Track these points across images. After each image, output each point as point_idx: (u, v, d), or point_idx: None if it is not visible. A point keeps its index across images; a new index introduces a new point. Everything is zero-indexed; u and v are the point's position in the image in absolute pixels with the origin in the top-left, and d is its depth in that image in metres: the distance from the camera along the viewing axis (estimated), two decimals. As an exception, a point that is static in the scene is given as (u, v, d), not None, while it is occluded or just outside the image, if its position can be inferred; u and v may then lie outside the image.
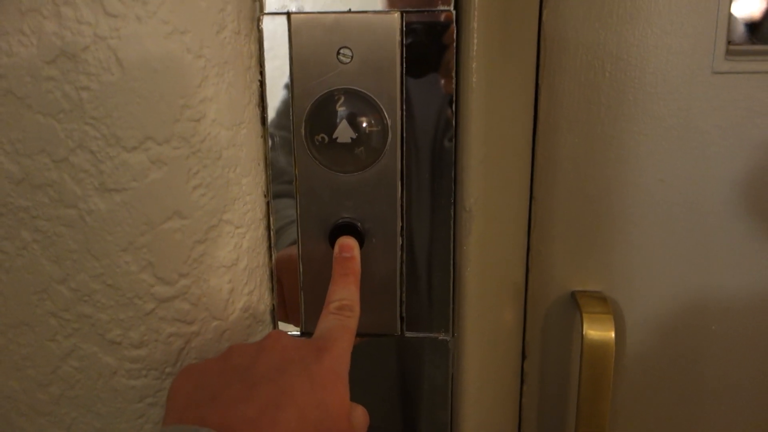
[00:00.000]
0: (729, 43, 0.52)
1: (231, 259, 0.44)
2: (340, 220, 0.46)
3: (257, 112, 0.46)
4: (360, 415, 0.39)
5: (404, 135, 0.46)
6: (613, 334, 0.54)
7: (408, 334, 0.50)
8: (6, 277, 0.41)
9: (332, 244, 0.45)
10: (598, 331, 0.54)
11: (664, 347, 0.59)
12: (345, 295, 0.42)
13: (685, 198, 0.55)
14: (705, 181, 0.55)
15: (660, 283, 0.57)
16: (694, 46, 0.52)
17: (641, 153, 0.54)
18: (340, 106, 0.44)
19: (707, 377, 0.59)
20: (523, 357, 0.60)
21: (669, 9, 0.52)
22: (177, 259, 0.41)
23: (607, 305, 0.56)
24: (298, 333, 0.50)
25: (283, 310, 0.50)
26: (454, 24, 0.44)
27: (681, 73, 0.53)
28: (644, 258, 0.56)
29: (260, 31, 0.45)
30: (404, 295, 0.49)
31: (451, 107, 0.46)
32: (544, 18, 0.52)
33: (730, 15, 0.52)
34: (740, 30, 0.53)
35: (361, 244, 0.45)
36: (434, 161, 0.47)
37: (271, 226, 0.49)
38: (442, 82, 0.45)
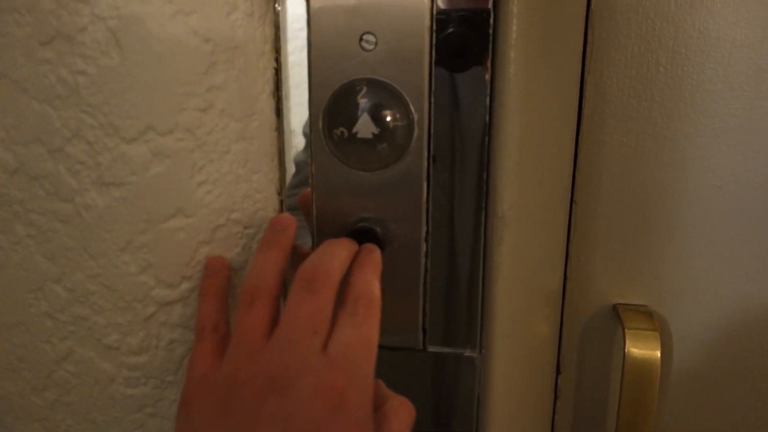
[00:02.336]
0: (803, 35, 0.48)
1: (239, 262, 0.41)
2: (359, 225, 0.42)
3: (271, 102, 0.43)
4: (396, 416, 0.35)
5: (432, 131, 0.42)
6: (658, 353, 0.50)
7: (431, 349, 0.46)
8: (0, 273, 0.39)
9: None
10: (643, 350, 0.51)
11: (715, 368, 0.55)
12: (361, 287, 0.36)
13: (743, 207, 0.51)
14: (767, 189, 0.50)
15: (712, 298, 0.53)
16: (763, 38, 0.48)
17: (697, 156, 0.50)
18: (362, 97, 0.40)
19: (761, 401, 0.55)
20: (558, 372, 0.57)
21: (735, -4, 0.47)
22: (179, 260, 0.38)
23: (652, 321, 0.52)
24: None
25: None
26: (491, 8, 0.40)
27: (746, 68, 0.48)
28: (695, 271, 0.52)
29: (276, 14, 0.42)
30: (427, 306, 0.45)
31: (486, 102, 0.42)
32: (592, 4, 0.48)
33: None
34: (818, 20, 0.48)
35: (382, 250, 0.41)
36: (464, 161, 0.43)
37: (286, 226, 0.45)
38: (476, 73, 0.41)
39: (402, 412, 0.35)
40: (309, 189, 0.43)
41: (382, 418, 0.34)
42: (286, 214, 0.40)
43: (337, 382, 0.32)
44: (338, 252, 0.37)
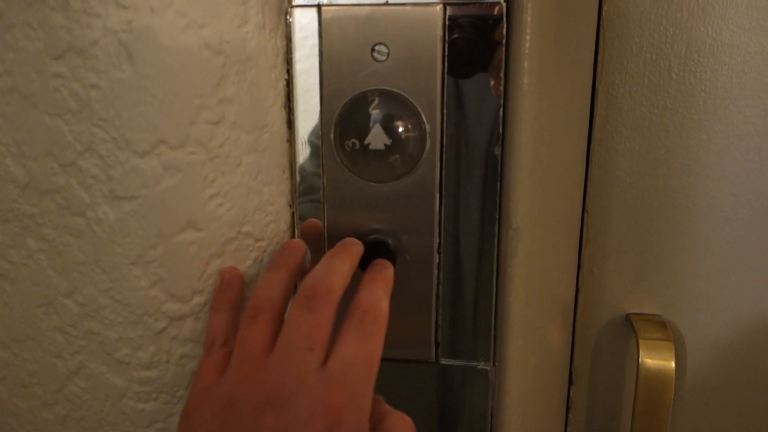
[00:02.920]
0: (818, 42, 0.47)
1: (250, 276, 0.41)
2: (370, 238, 0.42)
3: (283, 114, 0.42)
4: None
5: (444, 142, 0.41)
6: (673, 364, 0.50)
7: (443, 362, 0.46)
8: (11, 288, 0.38)
9: (361, 266, 0.40)
10: (656, 360, 0.50)
11: (730, 379, 0.54)
12: (370, 301, 0.36)
13: (759, 215, 0.50)
14: (783, 197, 0.50)
15: (727, 308, 0.52)
16: (777, 45, 0.47)
17: (710, 164, 0.50)
18: (374, 108, 0.40)
19: (777, 414, 0.54)
20: (570, 383, 0.56)
21: (748, 3, 0.47)
22: (190, 274, 0.38)
23: (666, 331, 0.51)
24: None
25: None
26: (505, 18, 0.39)
27: (760, 75, 0.48)
28: (710, 280, 0.52)
29: (288, 26, 0.41)
30: (440, 318, 0.45)
31: (499, 112, 0.41)
32: (604, 12, 0.48)
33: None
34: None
35: (394, 263, 0.41)
36: (477, 172, 0.42)
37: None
38: (489, 83, 0.41)
39: (401, 428, 0.35)
40: (314, 220, 0.43)
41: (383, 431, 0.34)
42: (297, 240, 0.41)
43: (333, 401, 0.32)
44: (339, 266, 0.37)
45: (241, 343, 0.35)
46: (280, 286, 0.37)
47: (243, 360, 0.34)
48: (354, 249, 0.39)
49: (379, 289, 0.37)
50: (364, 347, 0.34)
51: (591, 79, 0.49)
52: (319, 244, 0.44)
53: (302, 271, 0.41)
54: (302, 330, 0.34)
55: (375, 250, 0.40)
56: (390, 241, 0.42)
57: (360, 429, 0.32)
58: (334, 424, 0.31)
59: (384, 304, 0.36)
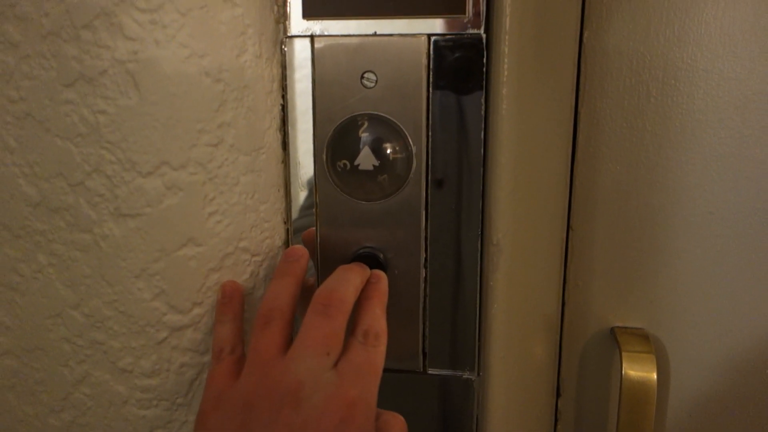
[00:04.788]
0: (789, 67, 0.49)
1: (247, 288, 0.43)
2: (362, 251, 0.44)
3: (278, 136, 0.45)
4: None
5: (429, 163, 0.44)
6: (654, 375, 0.51)
7: (431, 371, 0.47)
8: (22, 300, 0.41)
9: None
10: (639, 372, 0.52)
11: (711, 390, 0.55)
12: (370, 320, 0.39)
13: (736, 232, 0.52)
14: (758, 214, 0.51)
15: (707, 321, 0.54)
16: (750, 70, 0.49)
17: (689, 183, 0.51)
18: (363, 131, 0.43)
19: (758, 424, 0.55)
20: (558, 395, 0.57)
21: (721, 31, 0.49)
22: (191, 287, 0.40)
23: (648, 343, 0.53)
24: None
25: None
26: (485, 48, 0.42)
27: (733, 99, 0.50)
28: (690, 294, 0.53)
29: (283, 55, 0.44)
30: (427, 329, 0.46)
31: (480, 135, 0.44)
32: (585, 39, 0.50)
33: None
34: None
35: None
36: (461, 191, 0.44)
37: (291, 254, 0.47)
38: (471, 108, 0.43)
39: (395, 425, 0.37)
40: (314, 229, 0.46)
41: (380, 428, 0.37)
42: (299, 246, 0.43)
43: (347, 396, 0.35)
44: (352, 279, 0.40)
45: (254, 348, 0.37)
46: (288, 293, 0.39)
47: (257, 363, 0.37)
48: (364, 268, 0.42)
49: (377, 307, 0.40)
50: (370, 356, 0.37)
51: (573, 103, 0.51)
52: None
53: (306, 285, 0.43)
54: (319, 335, 0.36)
55: (367, 263, 0.43)
56: (380, 255, 0.44)
57: (369, 422, 0.35)
58: (348, 417, 0.34)
59: (383, 322, 0.39)
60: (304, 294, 0.42)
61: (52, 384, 0.41)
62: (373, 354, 0.37)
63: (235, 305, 0.41)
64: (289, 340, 0.38)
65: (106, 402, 0.41)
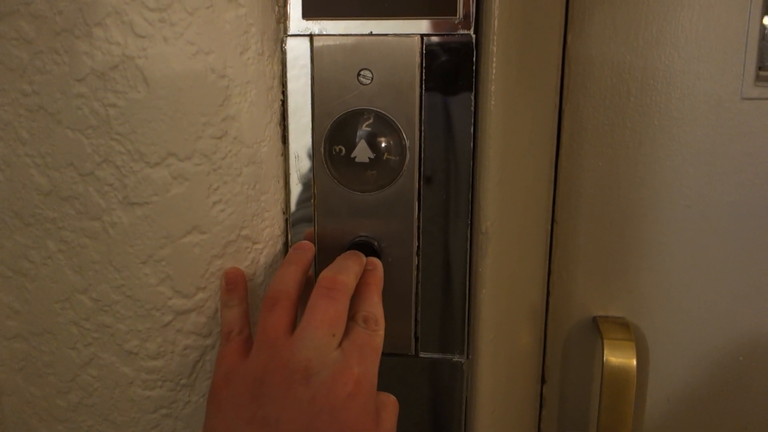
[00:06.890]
0: (760, 68, 0.52)
1: (248, 275, 0.45)
2: (357, 239, 0.46)
3: (278, 130, 0.47)
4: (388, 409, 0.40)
5: (422, 156, 0.46)
6: (634, 362, 0.53)
7: (422, 355, 0.50)
8: (31, 286, 0.42)
9: None
10: (620, 358, 0.54)
11: (688, 376, 0.58)
12: (369, 307, 0.41)
13: (711, 225, 0.54)
14: (733, 207, 0.54)
15: (685, 310, 0.56)
16: (723, 71, 0.52)
17: (667, 178, 0.54)
18: (360, 126, 0.45)
19: (732, 409, 0.57)
20: (543, 381, 0.60)
21: (696, 34, 0.51)
22: (195, 272, 0.42)
23: (629, 331, 0.55)
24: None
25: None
26: (474, 47, 0.44)
27: (708, 98, 0.52)
28: (669, 284, 0.56)
29: (283, 53, 0.46)
30: (419, 314, 0.49)
31: (470, 129, 0.46)
32: (569, 41, 0.53)
33: (761, 40, 0.51)
34: (770, 56, 0.52)
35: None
36: (451, 182, 0.47)
37: (289, 243, 0.49)
38: (461, 105, 0.45)
39: (390, 403, 0.40)
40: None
41: (378, 406, 0.39)
42: (307, 241, 0.46)
43: (354, 372, 0.38)
44: (352, 266, 0.42)
45: (262, 329, 0.40)
46: (294, 279, 0.42)
47: (265, 342, 0.39)
48: (362, 257, 0.44)
49: (375, 294, 0.43)
50: (371, 339, 0.40)
51: (557, 101, 0.53)
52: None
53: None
54: (325, 317, 0.39)
55: (362, 250, 0.45)
56: (375, 242, 0.46)
57: (372, 397, 0.38)
58: (355, 392, 0.37)
59: (380, 309, 0.42)
60: (306, 285, 0.44)
61: (59, 366, 0.43)
62: (374, 337, 0.40)
63: (240, 290, 0.43)
64: (295, 322, 0.40)
65: (112, 383, 0.43)
